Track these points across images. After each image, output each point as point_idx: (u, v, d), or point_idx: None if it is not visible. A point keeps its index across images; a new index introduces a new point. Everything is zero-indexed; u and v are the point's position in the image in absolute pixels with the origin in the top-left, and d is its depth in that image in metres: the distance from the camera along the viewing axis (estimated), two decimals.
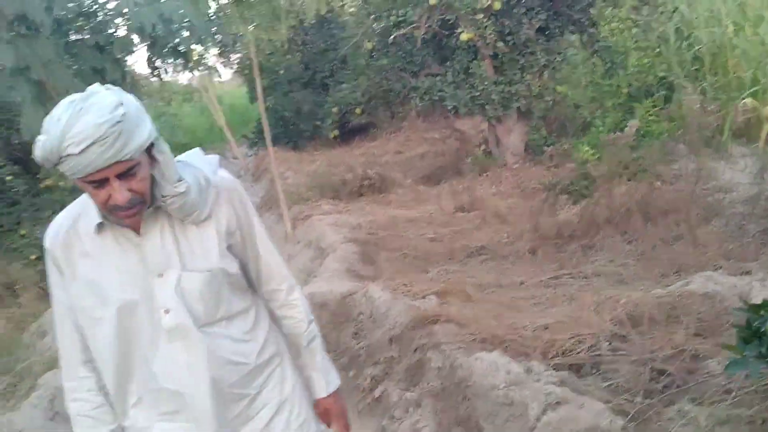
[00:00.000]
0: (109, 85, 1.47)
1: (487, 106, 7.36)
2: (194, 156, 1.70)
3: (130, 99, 1.44)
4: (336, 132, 11.80)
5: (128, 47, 6.44)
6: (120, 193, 1.43)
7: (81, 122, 1.36)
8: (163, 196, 1.54)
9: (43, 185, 7.84)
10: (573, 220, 5.83)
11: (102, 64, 6.09)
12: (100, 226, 1.58)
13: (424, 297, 4.24)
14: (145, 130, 1.45)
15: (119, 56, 6.31)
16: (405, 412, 3.46)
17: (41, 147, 1.41)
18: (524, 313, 4.00)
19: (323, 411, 1.92)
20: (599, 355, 3.26)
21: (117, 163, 1.40)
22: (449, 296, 4.23)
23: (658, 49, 6.64)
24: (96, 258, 1.61)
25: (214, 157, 1.74)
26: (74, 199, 5.49)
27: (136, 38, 6.30)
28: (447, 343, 3.49)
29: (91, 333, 1.66)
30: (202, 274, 1.63)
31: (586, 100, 7.34)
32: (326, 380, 1.90)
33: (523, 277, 4.93)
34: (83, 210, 1.62)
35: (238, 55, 13.63)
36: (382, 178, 7.58)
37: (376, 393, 3.76)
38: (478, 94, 7.29)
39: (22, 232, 7.54)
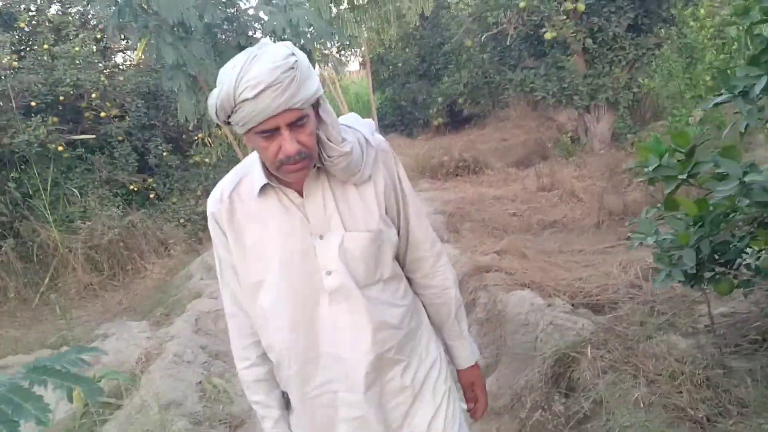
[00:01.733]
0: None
1: (575, 97, 8.00)
2: (353, 119, 1.67)
3: (300, 53, 1.43)
4: (440, 120, 12.69)
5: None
6: (290, 143, 1.41)
7: (256, 67, 1.35)
8: (329, 156, 1.50)
9: (192, 161, 9.14)
10: (641, 199, 6.42)
11: None
12: (264, 188, 1.56)
13: (487, 254, 5.10)
14: (314, 83, 1.43)
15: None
16: None
17: (217, 97, 1.40)
18: (569, 271, 4.76)
19: (468, 383, 1.85)
20: (616, 300, 4.02)
21: (288, 110, 1.38)
22: (507, 254, 5.07)
23: (735, 45, 6.99)
24: (259, 220, 1.59)
25: (369, 121, 1.70)
26: (217, 174, 7.46)
27: (269, 39, 7.43)
28: (494, 285, 4.37)
29: (254, 296, 1.64)
30: (363, 234, 1.59)
31: (668, 93, 7.78)
32: (471, 349, 1.84)
33: (582, 246, 5.63)
34: (245, 175, 1.61)
35: (358, 50, 14.77)
36: (476, 161, 8.38)
37: None
38: (566, 86, 7.96)
39: (174, 199, 8.75)
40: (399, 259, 1.74)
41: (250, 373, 1.72)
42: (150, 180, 8.76)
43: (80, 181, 8.03)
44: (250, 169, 1.60)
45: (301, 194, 1.57)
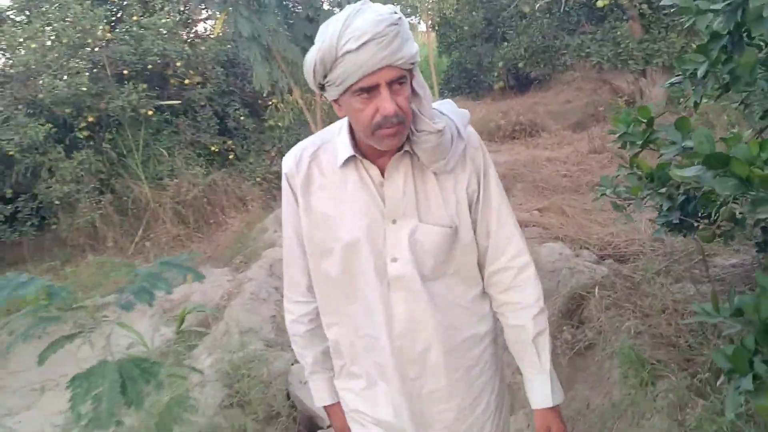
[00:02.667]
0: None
1: (630, 61, 8.24)
2: (449, 106, 1.59)
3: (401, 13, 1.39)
4: (502, 84, 12.99)
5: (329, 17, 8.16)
6: (389, 102, 1.35)
7: (360, 19, 1.32)
8: (419, 131, 1.44)
9: (266, 125, 9.87)
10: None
11: (311, 31, 7.86)
12: (348, 161, 1.52)
13: (528, 212, 5.58)
14: (414, 46, 1.39)
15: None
16: None
17: (316, 52, 1.36)
18: (604, 227, 5.19)
19: (543, 427, 1.64)
20: (639, 252, 4.45)
21: (389, 67, 1.34)
22: (549, 211, 5.53)
23: None
24: (334, 192, 1.56)
25: (465, 112, 1.61)
26: (290, 136, 8.27)
27: (336, 10, 8.03)
28: (530, 239, 4.86)
29: (316, 263, 1.63)
30: (436, 228, 1.53)
31: None
32: (551, 387, 1.62)
33: None
34: (326, 142, 1.59)
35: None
36: (533, 124, 8.74)
37: None
38: (621, 50, 8.19)
39: (250, 160, 9.48)
40: (479, 269, 1.65)
41: (292, 327, 1.77)
42: (229, 142, 9.51)
43: (167, 143, 8.86)
44: (332, 138, 1.58)
45: (382, 174, 1.52)
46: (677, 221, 2.70)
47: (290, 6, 7.93)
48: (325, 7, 8.09)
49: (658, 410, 2.59)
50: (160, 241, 8.17)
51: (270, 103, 9.70)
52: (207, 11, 9.66)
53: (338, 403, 1.78)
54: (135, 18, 9.06)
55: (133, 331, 5.15)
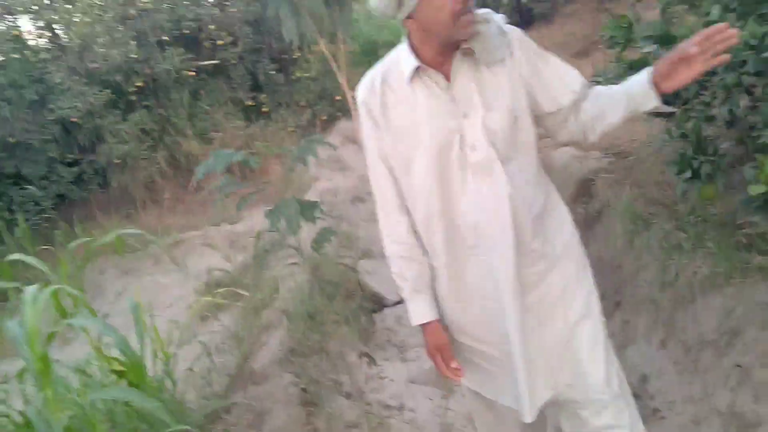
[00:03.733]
0: None
1: None
2: (489, 13, 1.78)
3: None
4: (507, 20, 13.53)
5: None
6: None
7: None
8: (474, 24, 1.66)
9: (294, 77, 10.66)
10: None
11: None
12: (415, 75, 1.73)
13: None
14: None
15: None
16: None
17: None
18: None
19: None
20: (639, 149, 5.27)
21: None
22: None
23: None
24: (409, 104, 1.75)
25: (503, 16, 1.82)
26: (317, 85, 9.45)
27: None
28: (544, 147, 5.69)
29: (405, 175, 1.81)
30: (501, 113, 1.73)
31: None
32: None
33: None
34: (392, 66, 1.79)
35: None
36: None
37: None
38: None
39: (282, 111, 10.23)
40: (558, 125, 1.85)
41: (391, 248, 1.93)
42: (262, 96, 10.32)
43: (208, 101, 9.70)
44: (394, 61, 1.80)
45: (447, 78, 1.74)
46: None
47: None
48: None
49: (650, 248, 3.46)
50: (212, 189, 9.08)
51: (296, 56, 10.45)
52: None
53: (436, 321, 1.92)
54: None
55: (217, 249, 6.14)
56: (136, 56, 8.68)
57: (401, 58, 1.77)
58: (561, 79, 1.81)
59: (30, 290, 2.39)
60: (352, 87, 6.21)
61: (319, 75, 10.21)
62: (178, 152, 9.33)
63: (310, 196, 7.01)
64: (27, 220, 7.80)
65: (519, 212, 1.76)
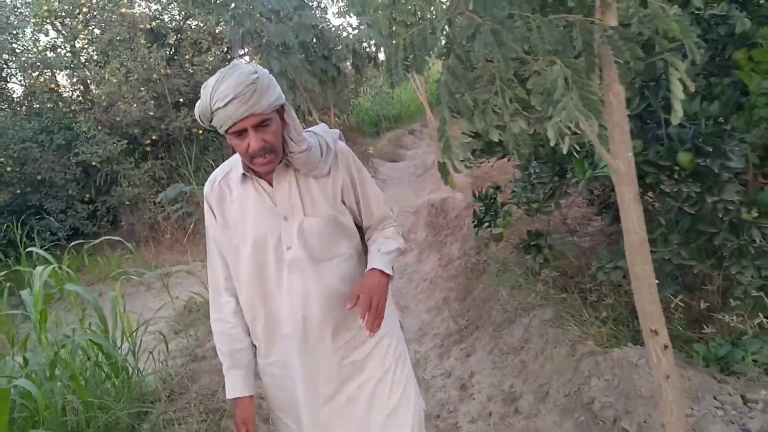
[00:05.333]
0: (247, 59, 2.49)
1: None
2: (321, 128, 2.02)
3: (263, 70, 1.76)
4: None
5: (343, 57, 10.34)
6: (255, 141, 1.75)
7: (224, 85, 1.69)
8: (290, 152, 1.83)
9: None
10: None
11: (326, 66, 10.03)
12: (243, 177, 1.92)
13: None
14: (275, 93, 1.75)
15: (336, 62, 10.26)
16: None
17: (198, 106, 1.78)
18: None
19: (362, 284, 1.90)
20: None
21: (252, 115, 1.72)
22: None
23: None
24: (240, 202, 1.95)
25: (336, 131, 2.05)
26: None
27: (347, 51, 10.19)
28: None
29: (234, 264, 2.00)
30: (319, 219, 1.92)
31: None
32: (384, 264, 1.95)
33: None
34: (232, 167, 1.99)
35: None
36: None
37: None
38: None
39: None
40: (363, 232, 2.12)
41: (216, 326, 2.07)
42: None
43: (213, 156, 11.00)
44: (235, 163, 1.97)
45: (271, 183, 1.90)
46: None
47: (310, 48, 10.08)
48: (338, 47, 10.24)
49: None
50: (201, 231, 10.27)
51: None
52: (245, 52, 11.88)
53: (248, 396, 2.04)
54: (187, 57, 11.29)
55: (198, 278, 7.22)
56: (153, 114, 10.05)
57: (239, 162, 1.95)
58: (373, 203, 2.09)
59: (38, 269, 3.54)
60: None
61: None
62: (181, 199, 10.57)
63: None
64: (42, 246, 9.00)
65: (331, 307, 1.95)
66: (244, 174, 1.91)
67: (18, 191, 9.60)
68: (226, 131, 1.77)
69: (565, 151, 1.59)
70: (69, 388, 3.28)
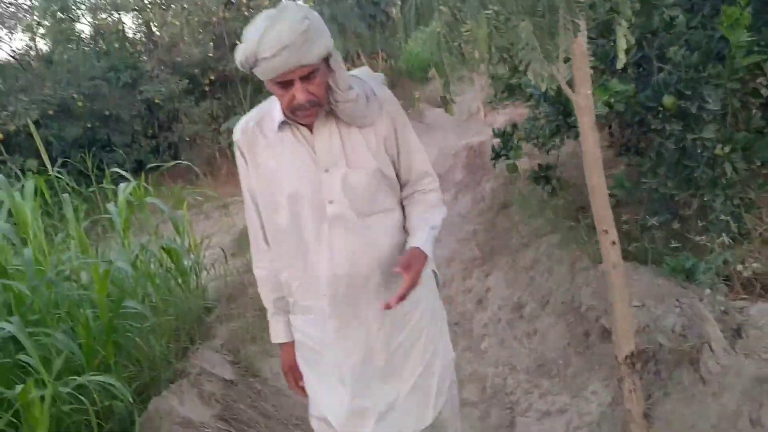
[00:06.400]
0: (298, 1, 2.14)
1: None
2: (364, 72, 1.89)
3: (314, 15, 1.60)
4: None
5: (392, 2, 10.77)
6: (302, 93, 1.62)
7: (273, 32, 1.54)
8: (336, 101, 1.70)
9: None
10: None
11: (374, 11, 10.38)
12: (282, 125, 1.78)
13: None
14: (325, 40, 1.60)
15: (385, 8, 10.64)
16: None
17: (241, 53, 1.61)
18: None
19: (404, 260, 1.76)
20: None
21: (300, 66, 1.58)
22: None
23: None
24: (276, 151, 1.81)
25: (380, 75, 1.91)
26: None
27: None
28: None
29: (269, 215, 1.89)
30: (363, 171, 1.80)
31: None
32: (424, 241, 1.82)
33: None
34: (267, 112, 1.86)
35: None
36: None
37: None
38: None
39: None
40: (402, 190, 1.95)
41: (258, 273, 2.01)
42: None
43: (266, 95, 11.55)
44: (270, 107, 1.85)
45: (312, 131, 1.79)
46: None
47: None
48: None
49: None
50: None
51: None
52: None
53: (291, 342, 2.03)
54: (244, 1, 11.80)
55: None
56: (212, 55, 10.68)
57: (275, 106, 1.82)
58: (415, 157, 1.94)
59: (122, 185, 4.21)
60: (399, 96, 7.87)
61: None
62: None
63: None
64: (111, 177, 9.83)
65: (374, 264, 1.84)
66: (283, 121, 1.78)
67: (88, 125, 10.41)
68: (267, 80, 1.66)
69: (543, 90, 2.10)
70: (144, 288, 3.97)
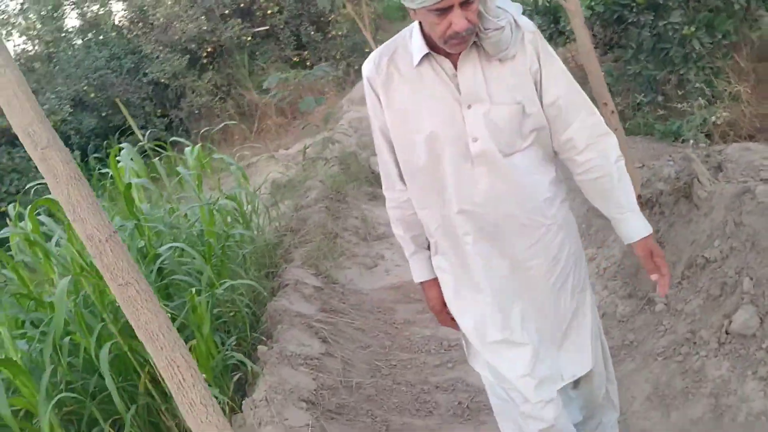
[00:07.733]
0: None
1: None
2: (505, 1, 1.72)
3: None
4: None
5: None
6: (460, 20, 1.53)
7: None
8: (485, 29, 1.62)
9: (330, 36, 13.00)
10: None
11: None
12: (423, 58, 1.70)
13: None
14: None
15: None
16: None
17: None
18: None
19: (646, 254, 1.79)
20: None
21: None
22: None
23: None
24: (413, 87, 1.74)
25: (518, 4, 1.75)
26: (348, 41, 12.96)
27: None
28: None
29: (403, 155, 1.82)
30: (507, 107, 1.69)
31: None
32: (641, 221, 1.77)
33: None
34: (401, 46, 1.77)
35: None
36: None
37: None
38: None
39: (322, 63, 12.79)
40: (553, 137, 1.79)
41: (393, 212, 1.97)
42: (305, 53, 12.70)
43: (262, 59, 12.16)
44: (405, 41, 1.77)
45: (455, 66, 1.70)
46: None
47: None
48: None
49: None
50: (270, 130, 11.61)
51: (330, 19, 12.79)
52: None
53: (434, 279, 1.98)
54: None
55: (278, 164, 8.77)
56: (206, 28, 11.21)
57: (412, 41, 1.75)
58: (564, 95, 1.76)
59: (188, 149, 4.91)
60: (377, 41, 8.39)
61: (350, 32, 12.51)
62: (242, 102, 11.87)
63: (342, 124, 9.42)
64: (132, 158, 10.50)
65: (521, 203, 1.77)
66: (427, 53, 1.71)
67: (103, 114, 11.03)
68: (425, 6, 1.56)
69: (539, 2, 2.78)
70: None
